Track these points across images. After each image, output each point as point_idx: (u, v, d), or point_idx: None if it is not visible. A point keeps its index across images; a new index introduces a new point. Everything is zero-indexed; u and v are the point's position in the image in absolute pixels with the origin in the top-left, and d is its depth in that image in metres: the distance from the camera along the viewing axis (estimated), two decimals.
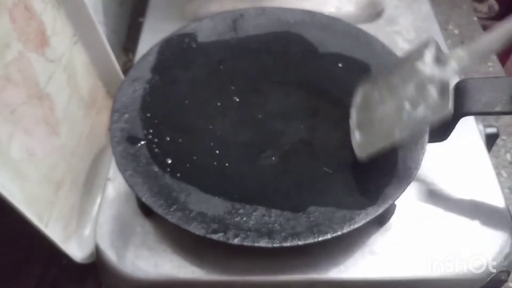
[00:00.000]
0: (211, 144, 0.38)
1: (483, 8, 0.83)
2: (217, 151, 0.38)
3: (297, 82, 0.43)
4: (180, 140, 0.38)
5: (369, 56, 0.43)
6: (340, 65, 0.43)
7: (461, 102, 0.34)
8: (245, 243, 0.31)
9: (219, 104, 0.41)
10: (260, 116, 0.40)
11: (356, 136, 0.37)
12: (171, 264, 0.35)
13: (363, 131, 0.37)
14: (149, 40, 0.46)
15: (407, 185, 0.34)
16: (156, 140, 0.38)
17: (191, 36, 0.45)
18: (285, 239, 0.32)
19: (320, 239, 0.32)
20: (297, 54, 0.45)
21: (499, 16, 0.80)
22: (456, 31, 0.67)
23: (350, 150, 0.37)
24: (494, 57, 0.65)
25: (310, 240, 0.31)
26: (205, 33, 0.45)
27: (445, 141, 0.37)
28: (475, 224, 0.37)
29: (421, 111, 0.33)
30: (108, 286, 0.38)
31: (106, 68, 0.48)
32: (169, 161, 0.36)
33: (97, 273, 0.37)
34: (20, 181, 0.34)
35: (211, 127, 0.39)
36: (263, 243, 0.31)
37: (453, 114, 0.33)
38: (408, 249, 0.35)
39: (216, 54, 0.44)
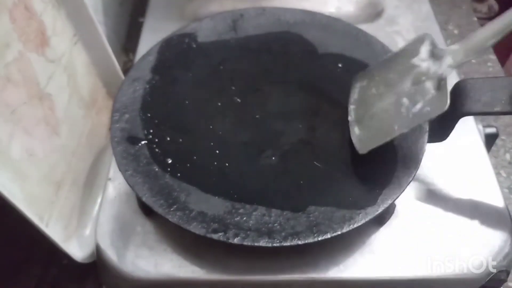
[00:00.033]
0: (211, 144, 0.38)
1: (483, 8, 0.83)
2: (217, 151, 0.38)
3: (297, 82, 0.43)
4: (180, 140, 0.38)
5: (369, 56, 0.43)
6: (340, 65, 0.44)
7: (460, 102, 0.34)
8: (245, 243, 0.31)
9: (219, 104, 0.41)
10: (260, 116, 0.40)
11: (356, 131, 0.37)
12: (171, 264, 0.35)
13: (363, 126, 0.37)
14: (149, 40, 0.46)
15: (407, 185, 0.34)
16: (157, 140, 0.38)
17: (191, 36, 0.45)
18: (285, 238, 0.32)
19: (319, 238, 0.32)
20: (297, 54, 0.45)
21: None
22: (456, 31, 0.68)
23: (350, 150, 0.37)
24: (494, 57, 0.65)
25: (310, 240, 0.32)
26: (205, 33, 0.45)
27: (444, 141, 0.37)
28: (475, 224, 0.37)
29: (419, 107, 0.33)
30: (109, 286, 0.38)
31: (106, 68, 0.48)
32: (169, 161, 0.36)
33: (97, 273, 0.37)
34: (21, 181, 0.34)
35: (211, 127, 0.39)
36: (263, 242, 0.32)
37: (452, 114, 0.34)
38: (408, 249, 0.35)
39: (216, 54, 0.45)
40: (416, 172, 0.34)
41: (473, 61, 0.62)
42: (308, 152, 0.38)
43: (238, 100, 0.41)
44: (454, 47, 0.33)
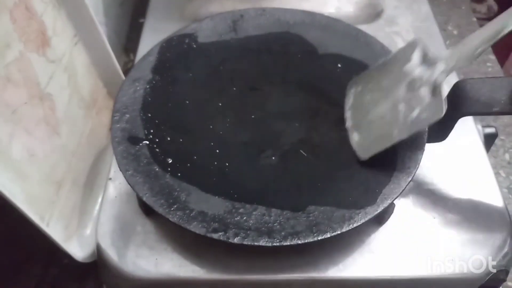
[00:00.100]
0: (212, 144, 0.38)
1: (482, 8, 0.83)
2: (218, 151, 0.38)
3: (297, 82, 0.43)
4: (181, 140, 0.38)
5: (368, 56, 0.43)
6: (339, 65, 0.44)
7: (459, 102, 0.34)
8: (245, 242, 0.32)
9: (219, 104, 0.41)
10: (260, 116, 0.40)
11: (355, 138, 0.37)
12: (171, 263, 0.35)
13: (361, 132, 0.37)
14: (149, 40, 0.47)
15: (406, 184, 0.34)
16: (157, 140, 0.38)
17: (192, 37, 0.45)
18: (284, 238, 0.32)
19: (319, 238, 0.32)
20: (297, 55, 0.45)
21: None
22: (455, 32, 0.68)
23: (350, 150, 0.37)
24: (493, 57, 0.65)
25: (310, 239, 0.32)
26: (205, 33, 0.45)
27: (444, 141, 0.37)
28: (474, 223, 0.37)
29: (416, 113, 0.33)
30: (109, 285, 0.38)
31: (106, 68, 0.48)
32: (170, 161, 0.37)
33: (98, 273, 0.37)
34: (21, 181, 0.34)
35: (211, 127, 0.39)
36: (263, 242, 0.32)
37: (452, 114, 0.34)
38: (407, 249, 0.35)
39: (216, 54, 0.45)
40: (415, 172, 0.34)
41: None
42: (308, 152, 0.38)
43: (238, 100, 0.42)
44: (446, 53, 0.33)
